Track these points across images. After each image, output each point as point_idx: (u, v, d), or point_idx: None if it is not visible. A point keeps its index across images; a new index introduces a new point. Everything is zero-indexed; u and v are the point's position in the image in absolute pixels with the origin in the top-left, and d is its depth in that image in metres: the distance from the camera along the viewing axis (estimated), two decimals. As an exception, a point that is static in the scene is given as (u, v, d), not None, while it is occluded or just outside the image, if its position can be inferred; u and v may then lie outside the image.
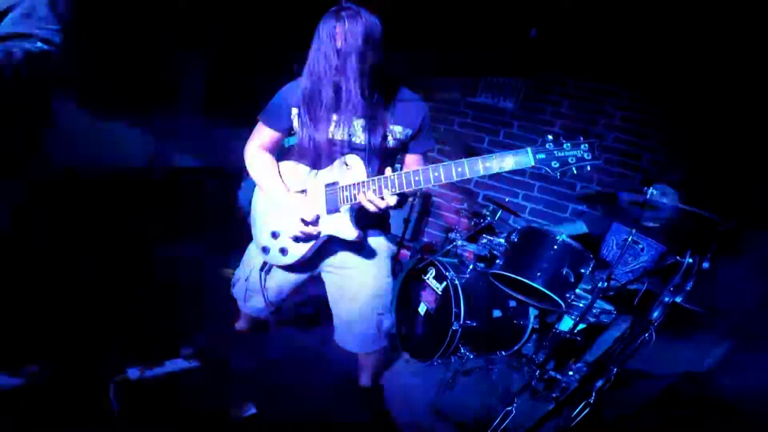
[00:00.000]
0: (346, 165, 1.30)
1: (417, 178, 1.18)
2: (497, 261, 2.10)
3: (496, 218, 2.50)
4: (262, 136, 1.44)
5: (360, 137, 1.32)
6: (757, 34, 2.30)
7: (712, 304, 1.74)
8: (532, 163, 1.11)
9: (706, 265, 1.37)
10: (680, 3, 2.40)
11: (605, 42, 2.98)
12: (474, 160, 1.13)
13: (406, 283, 2.46)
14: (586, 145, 1.11)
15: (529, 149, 1.11)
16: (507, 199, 2.68)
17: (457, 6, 3.22)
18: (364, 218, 1.36)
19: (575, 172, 1.12)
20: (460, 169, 1.14)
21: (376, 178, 1.24)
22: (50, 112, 1.44)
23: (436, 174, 1.17)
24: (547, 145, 1.11)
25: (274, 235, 1.44)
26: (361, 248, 1.46)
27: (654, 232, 2.31)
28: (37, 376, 1.43)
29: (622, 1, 2.60)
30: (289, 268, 1.50)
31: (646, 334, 1.54)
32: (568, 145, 1.11)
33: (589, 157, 1.10)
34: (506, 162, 1.12)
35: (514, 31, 3.20)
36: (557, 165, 1.11)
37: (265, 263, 1.51)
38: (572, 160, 1.10)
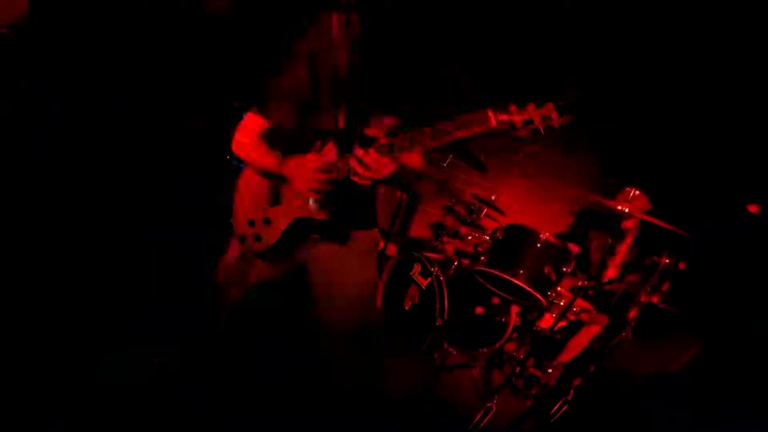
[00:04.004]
0: (320, 151, 1.31)
1: (384, 150, 1.19)
2: (482, 258, 2.12)
3: (482, 216, 2.51)
4: (255, 124, 1.43)
5: (341, 124, 1.33)
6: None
7: (686, 304, 1.79)
8: (494, 125, 1.09)
9: (681, 266, 1.41)
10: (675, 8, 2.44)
11: (600, 41, 3.01)
12: (436, 129, 1.13)
13: (391, 277, 2.47)
14: (552, 104, 1.08)
15: (488, 110, 1.09)
16: (493, 197, 2.70)
17: (451, 2, 3.22)
18: (344, 206, 1.36)
19: (542, 132, 1.10)
20: (421, 137, 1.14)
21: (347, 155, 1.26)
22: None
23: (405, 143, 1.17)
24: (510, 107, 1.09)
25: (251, 222, 1.44)
26: (347, 241, 1.46)
27: (633, 234, 2.36)
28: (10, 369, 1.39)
29: (618, 3, 2.63)
30: (268, 258, 1.49)
31: (623, 333, 1.58)
32: (533, 106, 1.08)
33: (556, 116, 1.08)
34: (466, 126, 1.11)
35: (510, 31, 3.22)
36: (522, 125, 1.09)
37: (243, 253, 1.51)
38: (537, 119, 1.08)
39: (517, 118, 1.08)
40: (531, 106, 1.09)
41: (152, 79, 2.98)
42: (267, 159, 1.40)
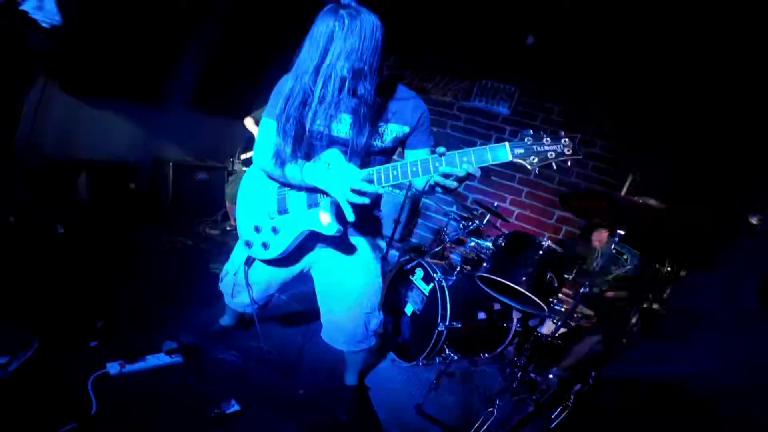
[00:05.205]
0: (327, 162, 1.30)
1: (395, 173, 1.18)
2: (484, 264, 2.13)
3: (484, 222, 2.53)
4: (268, 131, 1.36)
5: (347, 135, 1.30)
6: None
7: (687, 310, 1.79)
8: (509, 158, 1.09)
9: (682, 273, 1.42)
10: (677, 15, 2.45)
11: (601, 49, 3.03)
12: (451, 155, 1.12)
13: (394, 283, 2.48)
14: (567, 139, 1.08)
15: (506, 144, 1.09)
16: (495, 204, 2.72)
17: (456, 9, 3.25)
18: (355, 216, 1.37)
19: (555, 167, 1.11)
20: (437, 165, 1.13)
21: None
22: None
23: (414, 169, 1.16)
24: (525, 140, 1.09)
25: (257, 229, 1.44)
26: (351, 247, 1.47)
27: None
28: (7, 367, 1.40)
29: (619, 7, 2.65)
30: (274, 263, 1.50)
31: (624, 339, 1.59)
32: (548, 140, 1.08)
33: (570, 152, 1.08)
34: (483, 157, 1.11)
35: (511, 37, 3.24)
36: (536, 160, 1.09)
37: (249, 258, 1.52)
38: (551, 155, 1.08)
39: (533, 155, 1.08)
40: (546, 139, 1.08)
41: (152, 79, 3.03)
42: (301, 168, 1.30)
